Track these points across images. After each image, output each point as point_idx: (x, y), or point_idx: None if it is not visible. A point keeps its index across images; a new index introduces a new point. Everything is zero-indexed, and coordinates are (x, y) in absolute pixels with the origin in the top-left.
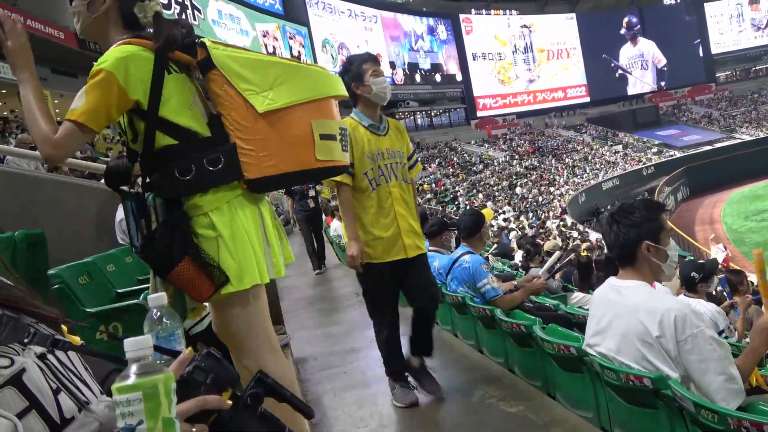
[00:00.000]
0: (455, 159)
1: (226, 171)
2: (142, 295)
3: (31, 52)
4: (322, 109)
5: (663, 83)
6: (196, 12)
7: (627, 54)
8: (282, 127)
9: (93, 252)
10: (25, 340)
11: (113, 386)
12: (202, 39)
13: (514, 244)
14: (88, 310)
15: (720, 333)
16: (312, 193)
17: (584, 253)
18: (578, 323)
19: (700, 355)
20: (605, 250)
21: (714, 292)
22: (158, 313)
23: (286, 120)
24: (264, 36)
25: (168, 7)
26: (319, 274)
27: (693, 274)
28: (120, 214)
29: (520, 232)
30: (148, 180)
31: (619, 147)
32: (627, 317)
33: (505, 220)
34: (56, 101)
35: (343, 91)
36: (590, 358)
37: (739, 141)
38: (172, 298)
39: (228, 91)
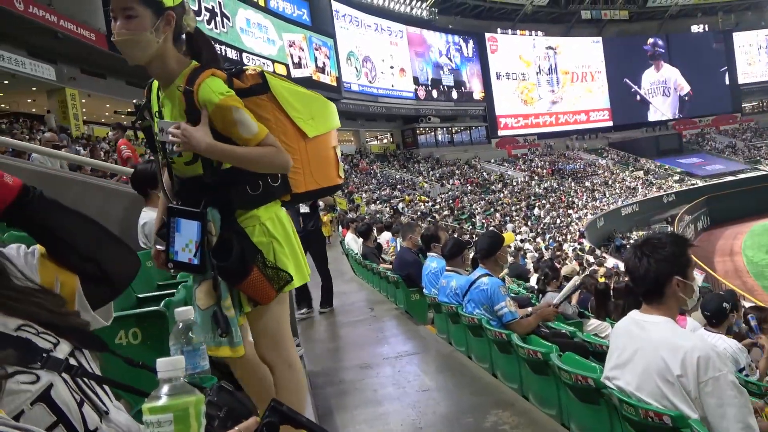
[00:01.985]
0: (474, 177)
1: (283, 186)
2: (163, 302)
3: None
4: (336, 136)
5: (682, 113)
6: (224, 19)
7: (649, 79)
8: (320, 150)
9: None
10: (38, 363)
11: (144, 406)
12: (255, 66)
13: (530, 266)
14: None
15: (740, 371)
16: (304, 209)
17: (602, 279)
18: (595, 352)
19: (720, 399)
20: (622, 278)
21: (737, 329)
22: (184, 328)
23: (322, 144)
24: (290, 46)
25: (198, 14)
26: (322, 312)
27: (725, 305)
28: (143, 218)
29: (536, 254)
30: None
31: (640, 173)
32: (649, 353)
33: (521, 240)
34: (84, 100)
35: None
36: (609, 390)
37: (764, 173)
38: (231, 306)
39: (278, 116)
